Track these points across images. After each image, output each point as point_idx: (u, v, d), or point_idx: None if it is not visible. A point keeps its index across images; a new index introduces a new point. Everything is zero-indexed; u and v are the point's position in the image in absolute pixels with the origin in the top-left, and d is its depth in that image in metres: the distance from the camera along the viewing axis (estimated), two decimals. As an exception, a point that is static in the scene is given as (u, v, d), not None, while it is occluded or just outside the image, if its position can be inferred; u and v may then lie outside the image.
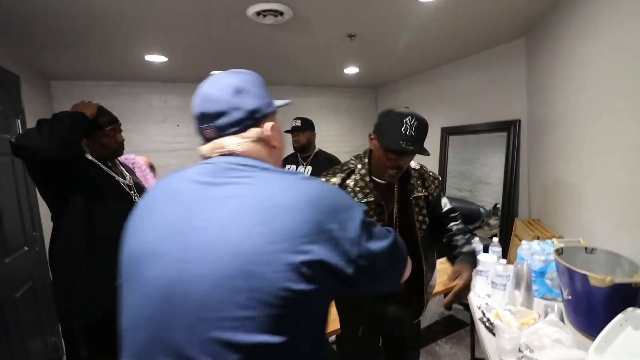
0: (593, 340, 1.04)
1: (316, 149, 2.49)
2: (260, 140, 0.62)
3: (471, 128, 3.07)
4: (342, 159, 1.62)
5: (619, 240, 1.35)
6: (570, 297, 1.16)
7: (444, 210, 1.32)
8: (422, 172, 1.27)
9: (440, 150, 3.43)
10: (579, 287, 1.11)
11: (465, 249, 1.21)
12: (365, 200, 1.12)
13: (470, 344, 2.06)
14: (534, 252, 1.46)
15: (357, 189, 1.14)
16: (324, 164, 2.21)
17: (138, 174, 1.73)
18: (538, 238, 1.93)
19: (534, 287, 1.35)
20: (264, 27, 2.01)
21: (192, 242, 0.50)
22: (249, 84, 0.63)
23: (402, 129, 1.01)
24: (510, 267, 1.47)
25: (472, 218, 3.47)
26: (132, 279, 0.55)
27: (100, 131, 1.33)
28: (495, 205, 3.29)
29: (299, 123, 2.40)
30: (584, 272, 1.08)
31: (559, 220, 1.98)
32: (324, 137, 3.39)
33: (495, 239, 1.69)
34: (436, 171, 3.42)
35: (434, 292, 1.52)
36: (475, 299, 1.41)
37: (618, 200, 1.41)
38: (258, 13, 1.75)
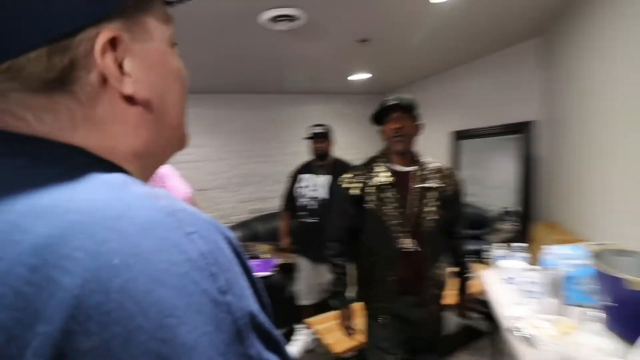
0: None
1: (333, 157, 2.41)
2: (70, 81, 0.26)
3: (482, 131, 3.03)
4: None
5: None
6: (611, 304, 1.10)
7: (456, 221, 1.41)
8: (441, 168, 1.37)
9: (451, 154, 3.38)
10: (621, 292, 1.06)
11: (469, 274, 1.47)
12: (383, 179, 1.28)
13: (493, 355, 1.96)
14: (563, 256, 1.40)
15: (379, 169, 1.31)
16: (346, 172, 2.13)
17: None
18: (563, 242, 1.87)
19: (565, 294, 1.28)
20: (275, 34, 2.00)
21: None
22: None
23: (384, 101, 1.31)
24: (540, 273, 1.41)
25: (482, 223, 3.40)
26: None
27: None
28: (505, 209, 3.23)
29: (320, 129, 2.26)
30: (630, 277, 1.02)
31: (582, 223, 1.92)
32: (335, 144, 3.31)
33: (524, 244, 1.63)
34: (447, 176, 3.37)
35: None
36: (503, 308, 1.34)
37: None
38: (271, 19, 1.73)
